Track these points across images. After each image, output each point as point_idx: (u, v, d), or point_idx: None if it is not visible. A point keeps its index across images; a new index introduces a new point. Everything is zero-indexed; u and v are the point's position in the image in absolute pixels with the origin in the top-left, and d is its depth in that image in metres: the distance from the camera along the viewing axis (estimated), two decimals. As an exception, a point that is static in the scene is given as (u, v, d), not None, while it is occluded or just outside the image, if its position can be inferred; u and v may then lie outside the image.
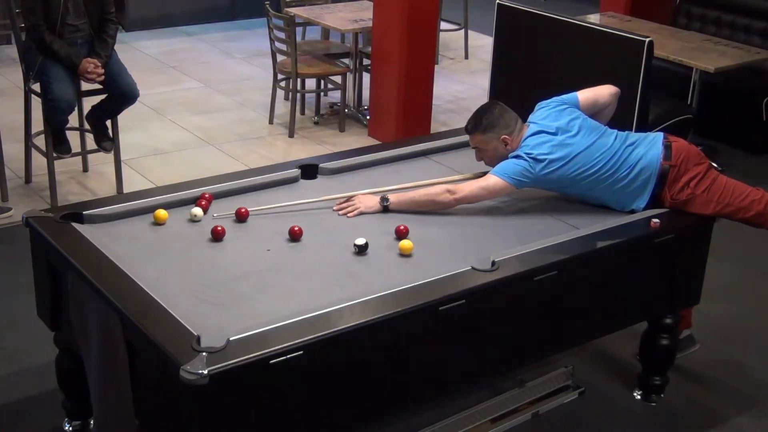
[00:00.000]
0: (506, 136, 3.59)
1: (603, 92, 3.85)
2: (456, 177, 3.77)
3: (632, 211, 3.59)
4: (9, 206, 5.22)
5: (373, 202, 3.52)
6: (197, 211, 3.40)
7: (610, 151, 3.57)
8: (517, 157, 3.54)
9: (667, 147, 3.61)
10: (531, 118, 3.72)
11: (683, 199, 3.56)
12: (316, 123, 6.91)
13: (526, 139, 3.59)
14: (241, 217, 3.38)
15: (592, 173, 3.54)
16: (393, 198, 3.53)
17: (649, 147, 3.61)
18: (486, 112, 3.65)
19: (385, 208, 3.51)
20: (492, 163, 3.64)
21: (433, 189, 3.57)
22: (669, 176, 3.56)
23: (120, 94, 5.23)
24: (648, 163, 3.57)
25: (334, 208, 3.52)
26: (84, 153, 5.71)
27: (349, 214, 3.49)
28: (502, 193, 3.59)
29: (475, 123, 3.64)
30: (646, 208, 3.58)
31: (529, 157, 3.51)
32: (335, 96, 7.19)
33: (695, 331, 4.15)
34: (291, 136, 6.59)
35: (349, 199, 3.55)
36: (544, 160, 3.50)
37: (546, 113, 3.68)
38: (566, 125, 3.60)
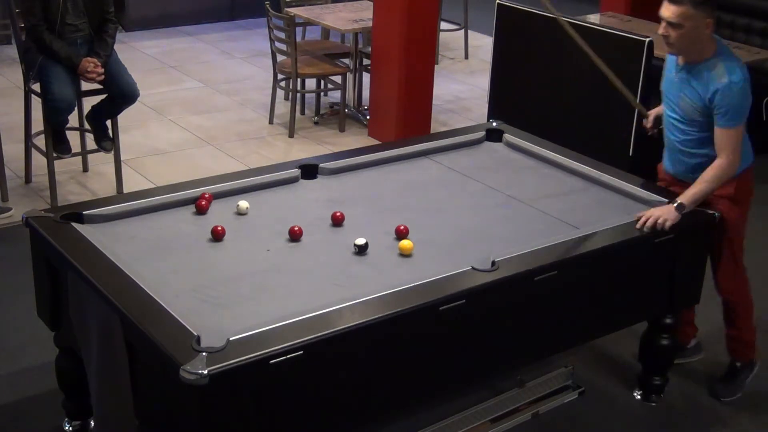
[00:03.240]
0: (711, 21, 3.43)
1: None
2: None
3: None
4: (9, 206, 5.22)
5: (671, 210, 3.46)
6: (244, 204, 3.44)
7: None
8: (730, 84, 3.43)
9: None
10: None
11: (717, 205, 3.61)
12: (316, 123, 6.91)
13: (731, 55, 3.52)
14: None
15: None
16: (686, 201, 3.49)
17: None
18: None
19: (684, 214, 3.49)
20: (676, 43, 3.47)
21: (711, 173, 3.50)
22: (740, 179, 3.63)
23: (120, 94, 5.23)
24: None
25: (637, 226, 3.44)
26: (84, 153, 5.71)
27: (659, 225, 3.44)
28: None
29: None
30: None
31: (743, 78, 3.46)
32: (335, 96, 7.19)
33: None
34: (291, 136, 6.59)
35: (647, 216, 3.46)
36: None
37: None
38: None
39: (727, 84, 3.44)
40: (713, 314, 4.41)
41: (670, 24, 3.44)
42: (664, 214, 3.44)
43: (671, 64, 3.67)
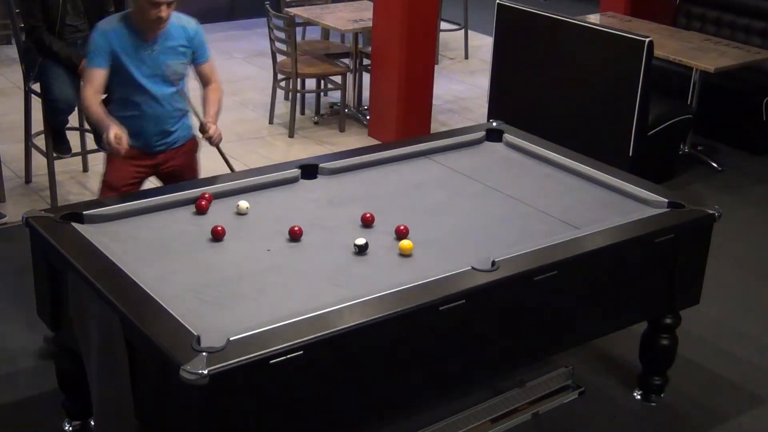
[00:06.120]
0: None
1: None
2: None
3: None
4: (3, 213, 5.17)
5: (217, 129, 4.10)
6: (244, 204, 3.45)
7: None
8: (197, 26, 4.12)
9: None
10: None
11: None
12: (316, 123, 6.91)
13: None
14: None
15: None
16: (212, 119, 4.09)
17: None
18: None
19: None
20: (168, 19, 3.85)
21: (217, 95, 4.20)
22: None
23: (120, 94, 5.22)
24: None
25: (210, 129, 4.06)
26: (84, 153, 5.71)
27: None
28: None
29: None
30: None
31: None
32: (335, 96, 7.19)
33: (696, 330, 4.15)
34: (291, 136, 6.59)
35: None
36: None
37: None
38: None
39: (196, 26, 4.10)
40: (713, 314, 4.41)
41: (168, 4, 3.80)
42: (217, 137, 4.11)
43: (124, 51, 3.89)
